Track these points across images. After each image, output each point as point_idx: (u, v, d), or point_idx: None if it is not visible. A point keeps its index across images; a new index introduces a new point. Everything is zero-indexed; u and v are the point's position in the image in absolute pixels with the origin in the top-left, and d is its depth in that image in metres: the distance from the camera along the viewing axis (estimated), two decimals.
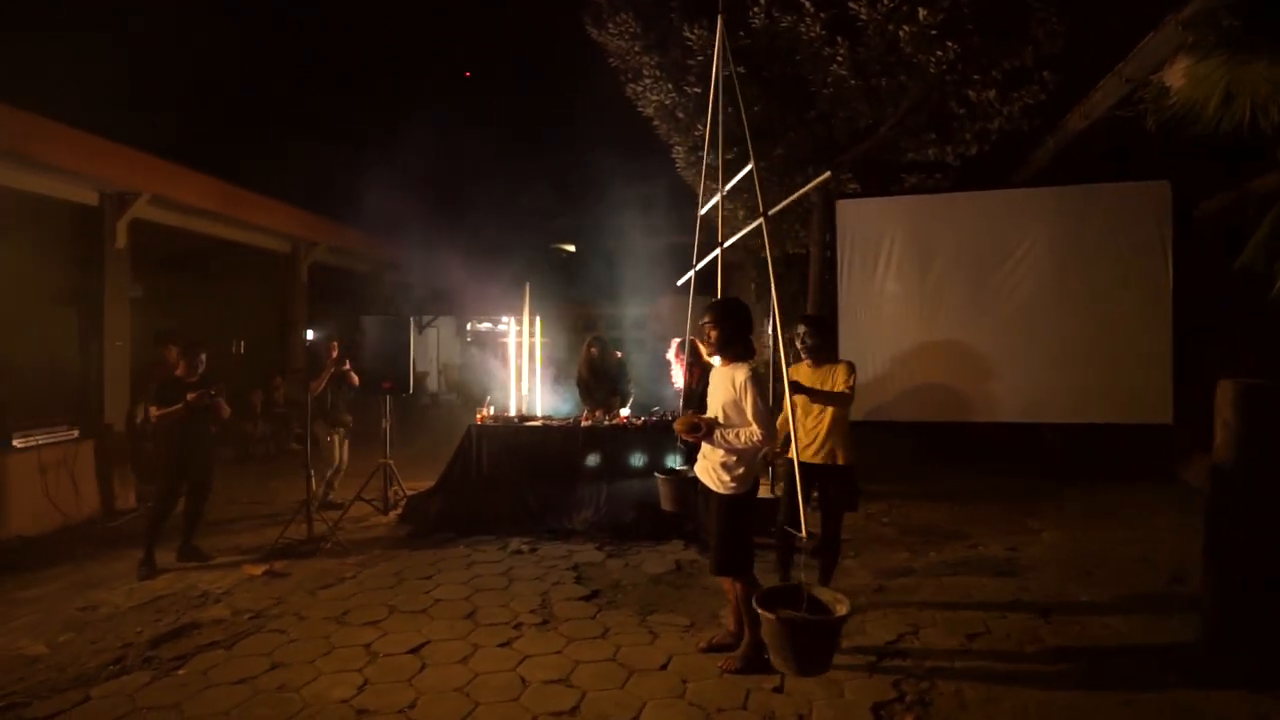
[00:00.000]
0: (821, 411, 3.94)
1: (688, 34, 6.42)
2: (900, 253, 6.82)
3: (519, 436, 6.00)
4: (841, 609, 2.60)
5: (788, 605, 2.63)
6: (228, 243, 9.69)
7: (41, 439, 5.74)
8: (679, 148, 7.42)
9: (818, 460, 3.93)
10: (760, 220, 3.27)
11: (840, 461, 3.94)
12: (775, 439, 3.31)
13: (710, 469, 3.29)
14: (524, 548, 5.35)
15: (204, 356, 5.07)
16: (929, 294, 6.75)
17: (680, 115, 7.15)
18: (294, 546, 5.32)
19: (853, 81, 6.17)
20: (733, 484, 3.23)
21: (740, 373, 3.20)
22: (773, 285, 3.12)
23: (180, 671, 3.36)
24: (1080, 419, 6.34)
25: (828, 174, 3.83)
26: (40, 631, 3.92)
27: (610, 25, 6.94)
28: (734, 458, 3.23)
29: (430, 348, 17.57)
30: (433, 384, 15.88)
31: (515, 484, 5.90)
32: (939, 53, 5.72)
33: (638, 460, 5.88)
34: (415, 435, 10.67)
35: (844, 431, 3.96)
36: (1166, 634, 3.75)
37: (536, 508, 5.81)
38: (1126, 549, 5.22)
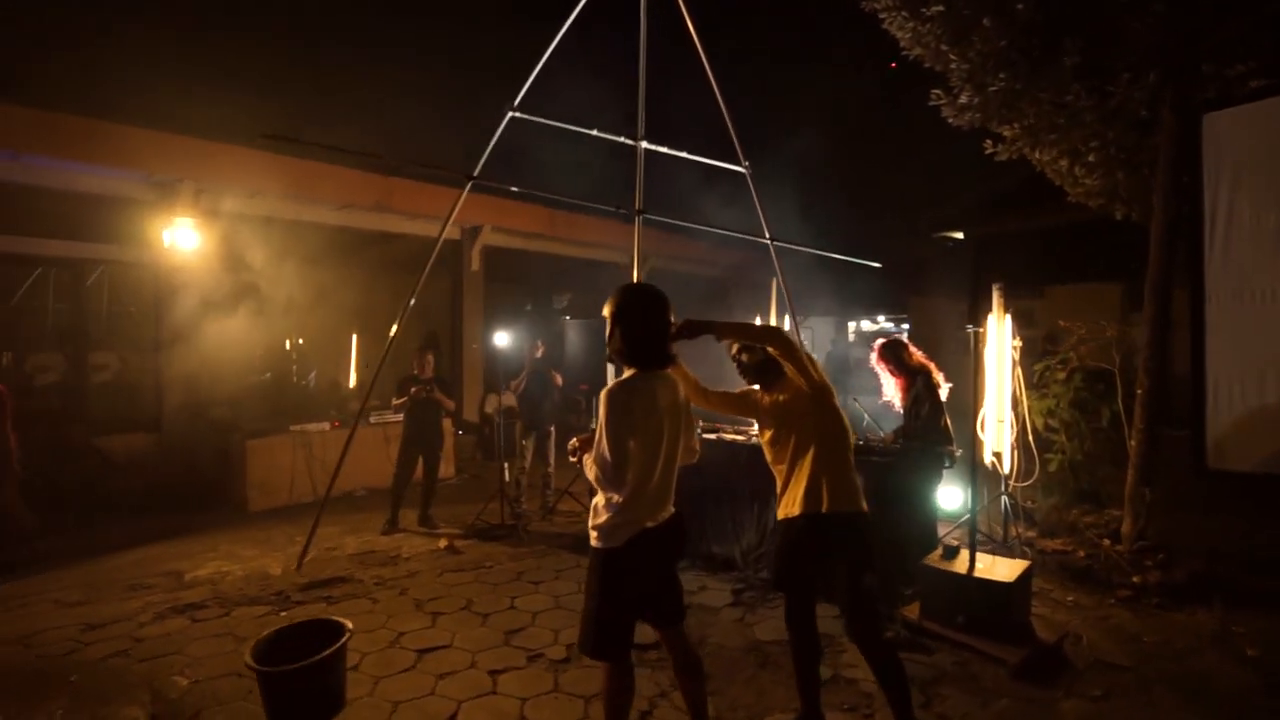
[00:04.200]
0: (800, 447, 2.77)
1: None
2: None
3: None
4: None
5: None
6: (574, 260, 11.41)
7: (390, 417, 7.68)
8: (942, 90, 5.61)
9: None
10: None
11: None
12: (617, 485, 2.31)
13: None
14: None
15: (431, 357, 6.10)
16: None
17: (943, 47, 5.41)
18: (491, 529, 5.91)
19: None
20: (594, 532, 2.39)
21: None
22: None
23: (282, 614, 4.10)
24: None
25: None
26: (294, 560, 5.25)
27: None
28: (601, 498, 2.36)
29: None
30: None
31: (684, 499, 5.35)
32: None
33: None
34: None
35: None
36: None
37: (699, 527, 5.17)
38: None
